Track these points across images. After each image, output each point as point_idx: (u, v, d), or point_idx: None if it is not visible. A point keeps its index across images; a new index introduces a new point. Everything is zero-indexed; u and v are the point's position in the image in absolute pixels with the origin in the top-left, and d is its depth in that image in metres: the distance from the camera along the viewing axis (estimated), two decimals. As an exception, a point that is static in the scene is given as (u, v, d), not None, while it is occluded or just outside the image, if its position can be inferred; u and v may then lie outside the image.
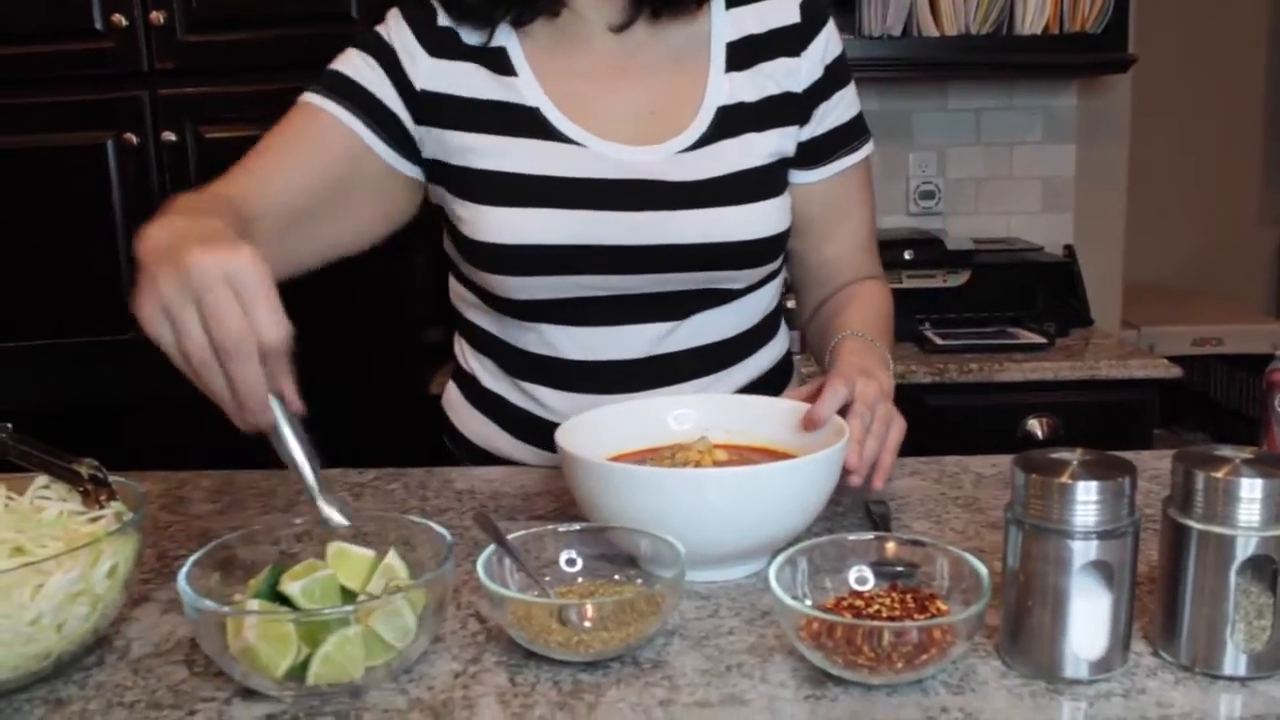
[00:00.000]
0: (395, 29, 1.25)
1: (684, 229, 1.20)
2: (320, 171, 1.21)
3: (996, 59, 2.71)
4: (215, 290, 0.79)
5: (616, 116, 1.23)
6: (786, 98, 1.27)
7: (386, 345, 2.41)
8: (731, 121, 1.24)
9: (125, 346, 1.66)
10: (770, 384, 1.34)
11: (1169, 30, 3.53)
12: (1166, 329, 3.09)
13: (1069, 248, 2.91)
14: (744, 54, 1.27)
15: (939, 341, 2.52)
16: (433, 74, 1.23)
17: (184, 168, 2.37)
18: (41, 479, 0.93)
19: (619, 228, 1.19)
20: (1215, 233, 3.90)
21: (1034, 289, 2.69)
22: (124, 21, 2.31)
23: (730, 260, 1.23)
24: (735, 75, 1.26)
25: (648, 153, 1.22)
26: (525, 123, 1.22)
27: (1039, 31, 2.67)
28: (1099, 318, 2.82)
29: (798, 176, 1.30)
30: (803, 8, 1.28)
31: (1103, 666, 0.78)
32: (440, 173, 1.25)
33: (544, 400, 1.28)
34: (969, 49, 2.68)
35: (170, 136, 2.36)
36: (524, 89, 1.23)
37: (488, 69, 1.24)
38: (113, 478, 0.93)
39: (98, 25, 2.33)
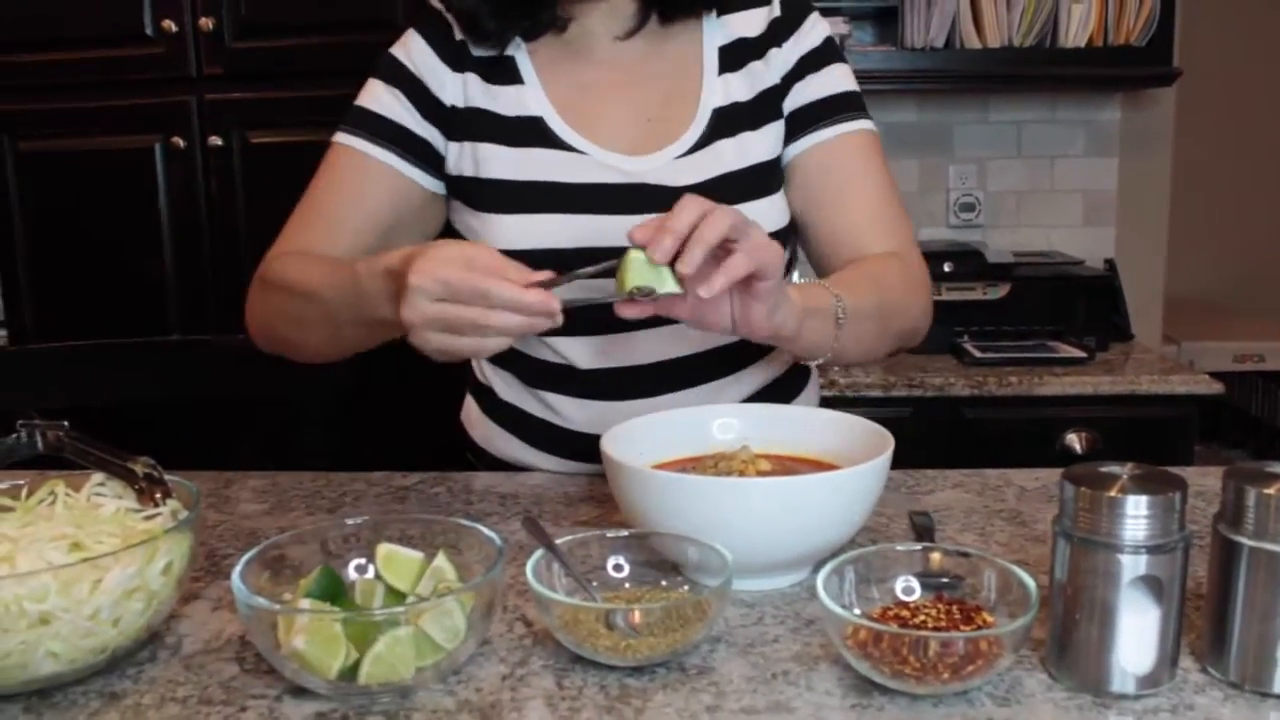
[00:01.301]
0: (416, 50, 1.29)
1: None
2: (377, 213, 1.27)
3: (1039, 71, 2.70)
4: (456, 274, 0.91)
5: (617, 126, 1.27)
6: (773, 90, 1.29)
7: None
8: (727, 123, 1.27)
9: (175, 347, 1.69)
10: (784, 388, 1.35)
11: (1213, 43, 3.50)
12: (1208, 344, 3.07)
13: (1110, 261, 2.89)
14: (735, 55, 1.29)
15: (978, 354, 2.51)
16: (456, 89, 1.28)
17: (229, 172, 2.41)
18: (98, 476, 0.94)
19: (620, 231, 1.20)
20: (1258, 248, 3.87)
21: (1074, 303, 2.67)
22: (174, 27, 2.35)
23: None
24: (729, 76, 1.29)
25: (646, 161, 1.25)
26: (530, 132, 1.26)
27: (1083, 44, 2.65)
28: (1140, 332, 2.80)
29: (785, 156, 1.31)
30: (783, 3, 1.30)
31: (1150, 682, 0.78)
32: (456, 186, 1.29)
33: (560, 409, 1.30)
34: (1012, 61, 2.67)
35: (217, 141, 2.39)
36: (529, 98, 1.27)
37: (496, 80, 1.28)
38: (167, 476, 0.94)
39: (148, 31, 2.37)
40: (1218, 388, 2.41)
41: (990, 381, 2.38)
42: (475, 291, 0.91)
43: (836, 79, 1.31)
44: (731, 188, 1.23)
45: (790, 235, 1.31)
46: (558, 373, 1.29)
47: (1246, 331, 3.21)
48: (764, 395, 1.32)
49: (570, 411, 1.29)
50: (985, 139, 2.94)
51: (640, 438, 1.07)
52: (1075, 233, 2.99)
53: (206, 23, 2.34)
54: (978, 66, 2.65)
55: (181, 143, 2.40)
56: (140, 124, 2.42)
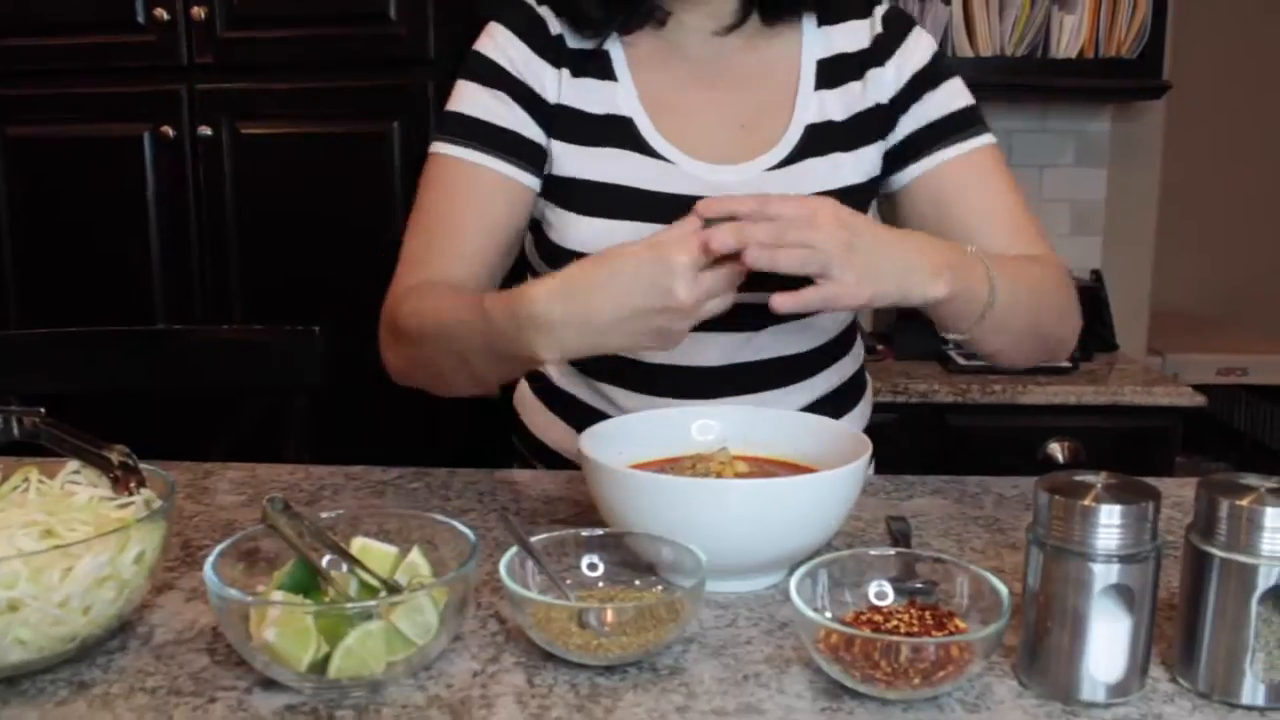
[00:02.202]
0: (509, 47, 1.25)
1: None
2: (496, 228, 1.24)
3: (1031, 81, 2.72)
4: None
5: (708, 130, 1.25)
6: (875, 110, 1.26)
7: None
8: (820, 140, 1.24)
9: (157, 336, 1.68)
10: (840, 400, 1.33)
11: (1204, 56, 3.52)
12: (1192, 357, 3.08)
13: (1096, 272, 2.90)
14: (834, 71, 1.26)
15: (962, 361, 2.51)
16: (559, 86, 1.25)
17: (219, 162, 2.40)
18: (72, 464, 0.94)
19: None
20: (1244, 261, 3.88)
21: (1060, 312, 2.67)
22: (165, 16, 2.34)
23: (806, 279, 1.22)
24: (825, 93, 1.26)
25: (735, 172, 1.23)
26: (619, 134, 1.24)
27: (1074, 55, 2.67)
28: (1124, 343, 2.81)
29: (897, 181, 1.28)
30: (885, 19, 1.27)
31: (1120, 690, 0.78)
32: (546, 181, 1.27)
33: (618, 401, 1.28)
34: (1003, 70, 2.68)
35: (206, 131, 2.38)
36: (621, 98, 1.25)
37: (591, 75, 1.25)
38: (142, 465, 0.94)
39: (139, 19, 2.36)
40: (1200, 400, 2.42)
41: (974, 389, 2.39)
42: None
43: (954, 95, 1.27)
44: None
45: None
46: (620, 364, 1.25)
47: (1230, 345, 3.23)
48: (819, 406, 1.29)
49: (626, 404, 1.27)
50: (975, 147, 2.94)
51: (619, 437, 1.07)
52: (1062, 242, 2.99)
53: (198, 12, 2.33)
54: (970, 75, 2.61)
55: (171, 132, 2.39)
56: (129, 112, 2.40)
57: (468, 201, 1.23)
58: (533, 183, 1.25)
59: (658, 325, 0.97)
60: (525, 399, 1.41)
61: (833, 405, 1.31)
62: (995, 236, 1.22)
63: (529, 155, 1.24)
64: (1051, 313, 1.21)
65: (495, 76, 1.25)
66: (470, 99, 1.25)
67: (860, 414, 1.38)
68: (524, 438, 1.41)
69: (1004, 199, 1.26)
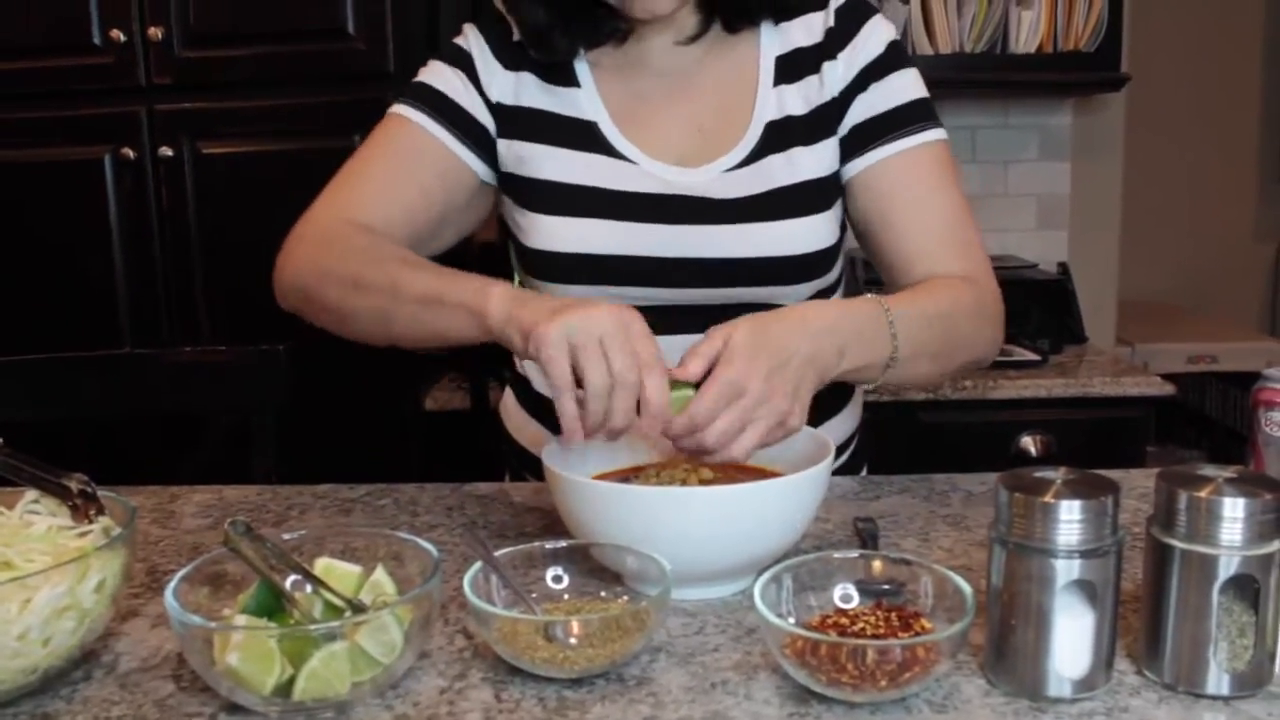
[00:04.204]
0: (474, 41, 1.30)
1: (725, 244, 1.21)
2: (430, 191, 1.27)
3: (991, 77, 2.73)
4: (616, 336, 0.95)
5: (668, 135, 1.26)
6: (830, 104, 1.26)
7: (384, 361, 2.41)
8: (779, 137, 1.25)
9: (119, 361, 1.67)
10: (827, 404, 1.31)
11: (1163, 48, 3.55)
12: (1161, 346, 3.10)
13: (1063, 265, 2.91)
14: (791, 67, 1.27)
15: (933, 358, 2.51)
16: (505, 86, 1.28)
17: (180, 182, 2.38)
18: (31, 493, 0.93)
19: (662, 240, 1.21)
20: (1210, 250, 3.92)
21: (1028, 306, 2.69)
22: (122, 37, 2.32)
23: (773, 276, 1.23)
24: (784, 88, 1.26)
25: (695, 174, 1.24)
26: (582, 135, 1.26)
27: (1033, 50, 2.68)
28: (1094, 335, 2.82)
29: (844, 174, 1.27)
30: (838, 11, 1.27)
31: (1086, 685, 0.78)
32: (509, 184, 1.29)
33: None
34: (964, 67, 2.69)
35: (167, 151, 2.37)
36: (584, 102, 1.27)
37: (552, 81, 1.28)
38: (103, 492, 0.93)
39: (96, 41, 2.34)
40: (1170, 389, 2.43)
41: (945, 385, 2.40)
42: (619, 361, 0.95)
43: (901, 88, 1.26)
44: (779, 204, 1.22)
45: (839, 254, 1.29)
46: None
47: (1200, 333, 3.25)
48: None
49: None
50: (939, 144, 2.95)
51: (582, 447, 1.06)
52: (1029, 236, 3.01)
53: (155, 32, 2.31)
54: (930, 72, 2.59)
55: (131, 153, 2.37)
56: (89, 135, 2.38)
57: (406, 159, 1.27)
58: (477, 164, 1.28)
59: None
60: (509, 405, 1.42)
61: (817, 407, 1.31)
62: (923, 243, 1.23)
63: (476, 136, 1.28)
64: (959, 342, 1.19)
65: (457, 58, 1.29)
66: (433, 72, 1.30)
67: (849, 414, 1.38)
68: (509, 444, 1.42)
69: (939, 201, 1.25)
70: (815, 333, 1.02)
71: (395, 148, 1.27)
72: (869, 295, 1.11)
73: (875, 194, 1.25)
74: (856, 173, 1.25)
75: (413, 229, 1.25)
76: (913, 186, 1.24)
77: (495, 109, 1.28)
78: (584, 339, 0.95)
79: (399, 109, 1.28)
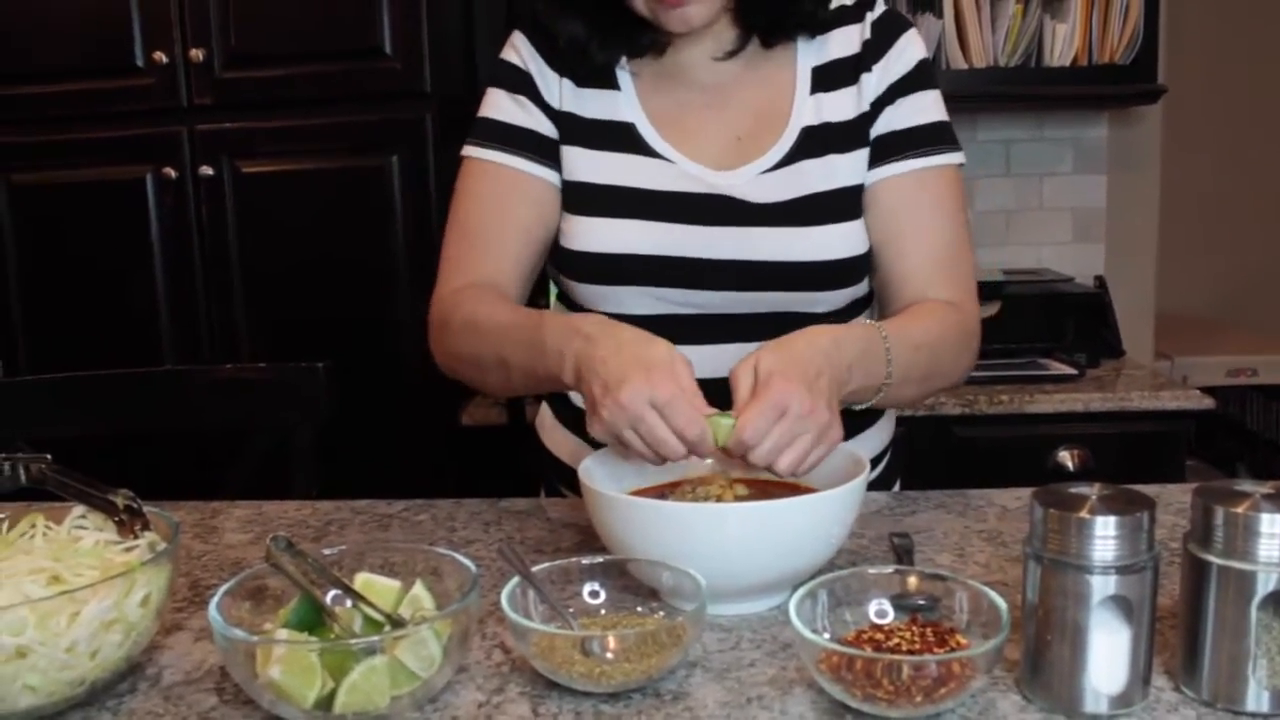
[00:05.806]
0: (526, 53, 1.31)
1: (761, 247, 1.22)
2: (529, 228, 1.29)
3: (1026, 91, 2.72)
4: (646, 418, 0.97)
5: (706, 141, 1.27)
6: (866, 114, 1.27)
7: (421, 377, 2.43)
8: (816, 142, 1.26)
9: (161, 378, 1.70)
10: (858, 420, 1.31)
11: (1199, 59, 3.52)
12: (1200, 359, 3.07)
13: (1100, 278, 2.90)
14: (829, 77, 1.28)
15: (969, 373, 2.51)
16: (563, 93, 1.30)
17: (221, 201, 2.42)
18: (78, 509, 0.95)
19: (699, 241, 1.23)
20: (1249, 261, 3.88)
21: (1064, 320, 2.67)
22: (164, 59, 2.37)
23: (807, 280, 1.24)
24: (821, 96, 1.27)
25: (731, 175, 1.25)
26: (620, 136, 1.28)
27: (1068, 63, 2.67)
28: (1132, 349, 2.80)
29: (865, 183, 1.28)
30: (875, 24, 1.28)
31: (1123, 701, 0.78)
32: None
33: None
34: (998, 81, 2.68)
35: (208, 171, 2.41)
36: (623, 104, 1.29)
37: (590, 84, 1.30)
38: (147, 508, 0.95)
39: (139, 62, 2.38)
40: (1209, 403, 2.41)
41: (981, 400, 2.39)
42: (655, 440, 0.98)
43: (924, 108, 1.28)
44: (814, 209, 1.23)
45: (870, 263, 1.29)
46: None
47: (1240, 345, 3.22)
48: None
49: None
50: (974, 158, 2.94)
51: (619, 463, 1.07)
52: (1065, 250, 3.00)
53: (196, 54, 2.35)
54: (964, 87, 2.66)
55: (173, 173, 2.41)
56: (131, 155, 2.43)
57: (498, 205, 1.29)
58: (555, 178, 1.30)
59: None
60: (545, 419, 1.43)
61: (849, 423, 1.31)
62: (919, 263, 1.25)
63: (549, 152, 1.29)
64: (942, 369, 1.22)
65: (514, 80, 1.31)
66: (494, 104, 1.32)
67: (881, 429, 1.38)
68: (545, 459, 1.42)
69: (938, 227, 1.27)
70: (829, 353, 1.04)
71: (483, 196, 1.29)
72: (866, 321, 1.13)
73: (882, 208, 1.26)
74: (873, 183, 1.27)
75: (522, 269, 1.29)
76: (919, 207, 1.26)
77: (556, 116, 1.30)
78: (622, 429, 0.98)
79: (473, 152, 1.30)
